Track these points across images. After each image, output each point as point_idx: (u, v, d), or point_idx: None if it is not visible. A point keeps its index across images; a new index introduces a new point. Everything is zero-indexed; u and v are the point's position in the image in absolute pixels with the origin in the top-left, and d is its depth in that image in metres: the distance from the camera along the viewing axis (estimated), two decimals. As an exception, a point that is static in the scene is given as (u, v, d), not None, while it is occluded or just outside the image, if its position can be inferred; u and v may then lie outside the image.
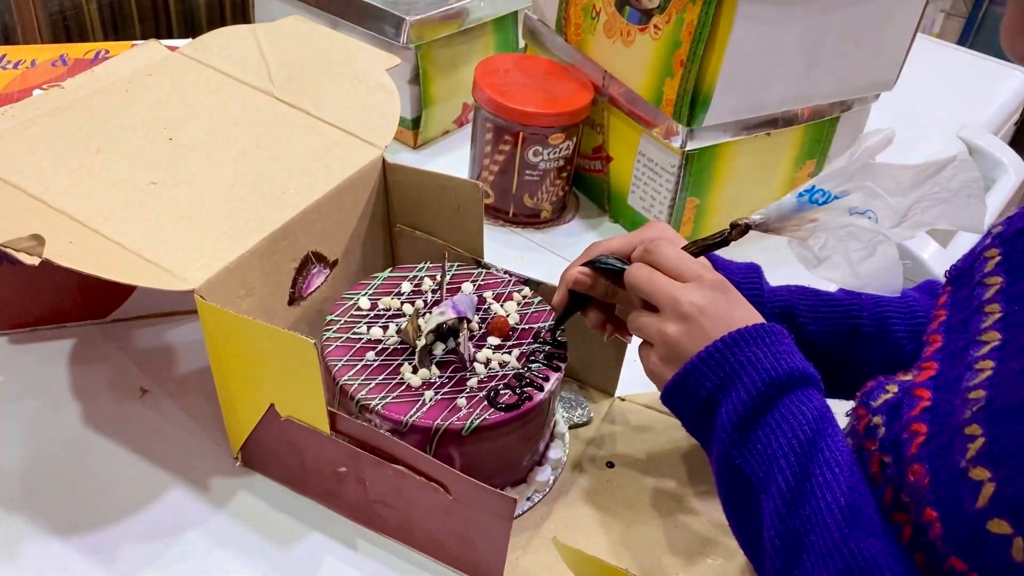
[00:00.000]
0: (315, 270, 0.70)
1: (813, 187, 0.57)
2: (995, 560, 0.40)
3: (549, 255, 0.93)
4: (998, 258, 0.50)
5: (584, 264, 0.64)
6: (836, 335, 0.66)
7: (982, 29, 1.96)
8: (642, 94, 0.87)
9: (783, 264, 0.65)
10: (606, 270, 0.63)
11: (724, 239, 0.61)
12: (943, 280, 0.68)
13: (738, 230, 0.60)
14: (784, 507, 0.49)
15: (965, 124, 1.24)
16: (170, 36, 1.37)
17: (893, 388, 0.54)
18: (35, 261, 0.52)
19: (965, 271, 0.54)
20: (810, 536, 0.48)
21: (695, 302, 0.55)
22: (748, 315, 0.56)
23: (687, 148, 0.85)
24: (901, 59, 0.92)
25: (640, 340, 0.60)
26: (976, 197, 0.52)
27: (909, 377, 0.53)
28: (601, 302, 0.65)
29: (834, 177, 0.55)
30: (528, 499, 0.66)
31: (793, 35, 0.81)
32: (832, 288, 0.67)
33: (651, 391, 0.76)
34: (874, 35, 0.87)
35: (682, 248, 0.61)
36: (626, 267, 0.61)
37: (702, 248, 0.61)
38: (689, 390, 0.55)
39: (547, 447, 0.69)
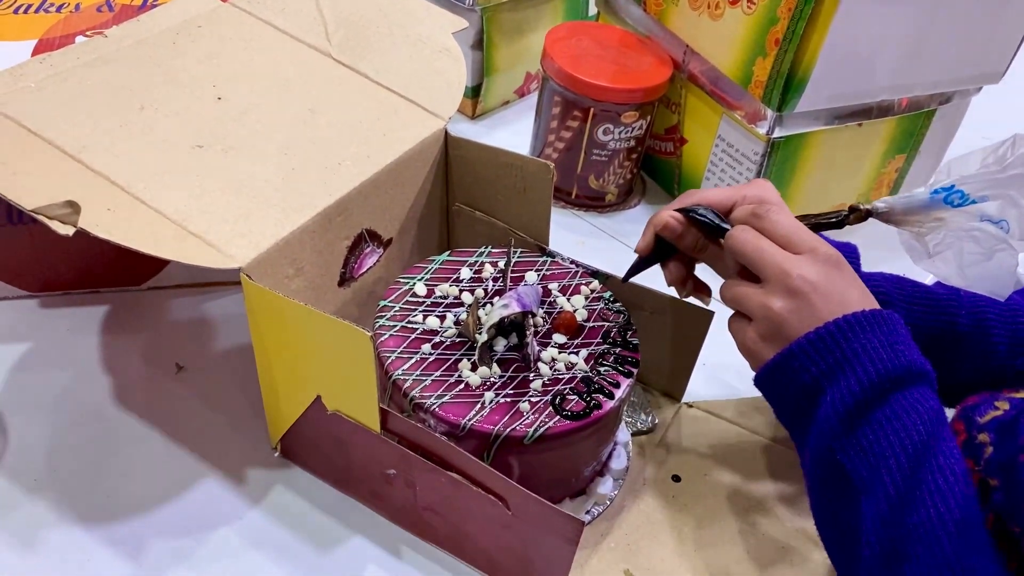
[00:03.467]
0: (368, 249, 0.65)
1: (952, 187, 0.51)
2: None
3: (612, 242, 0.87)
4: None
5: (677, 210, 0.57)
6: (929, 331, 0.60)
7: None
8: (728, 73, 0.80)
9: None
10: (701, 223, 0.56)
11: (840, 220, 0.56)
12: None
13: (857, 215, 0.56)
14: (889, 512, 0.44)
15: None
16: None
17: (1004, 405, 0.49)
18: (69, 231, 0.46)
19: None
20: (917, 547, 0.43)
21: (807, 277, 0.49)
22: (864, 298, 0.50)
23: (774, 135, 0.78)
24: (1013, 50, 0.84)
25: (732, 312, 0.54)
26: None
27: (1023, 395, 0.48)
28: (684, 256, 0.59)
29: (977, 180, 0.49)
30: (588, 512, 0.61)
31: (903, 16, 0.74)
32: (929, 281, 0.62)
33: (721, 398, 0.71)
34: (989, 21, 0.79)
35: (802, 218, 0.55)
36: (725, 225, 0.55)
37: (814, 225, 0.55)
38: (791, 373, 0.49)
39: (609, 456, 0.63)
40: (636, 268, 0.61)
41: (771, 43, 0.74)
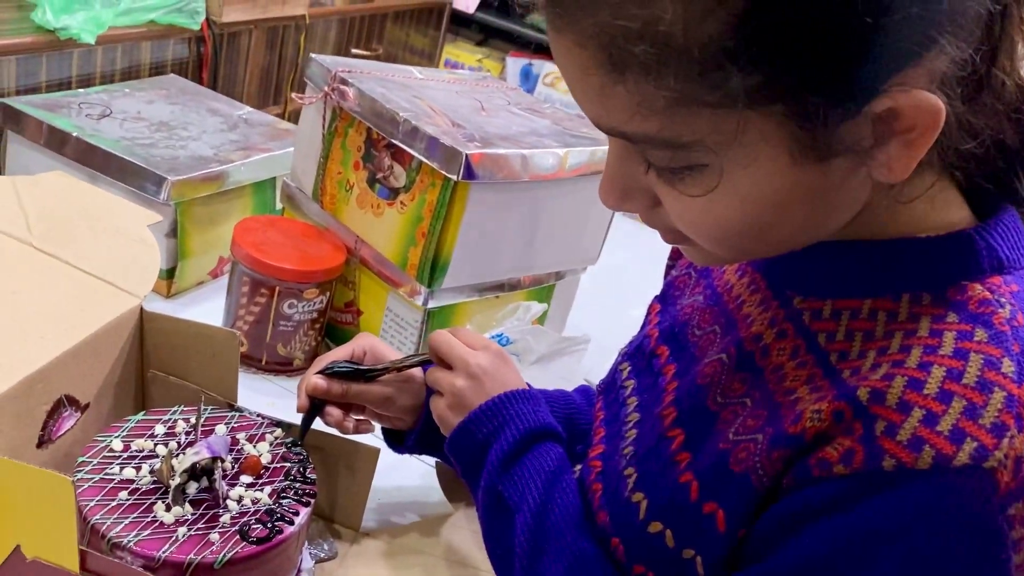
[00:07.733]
0: (66, 413, 0.72)
1: (502, 334, 0.75)
2: (657, 552, 0.56)
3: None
4: (629, 367, 0.70)
5: (318, 373, 0.76)
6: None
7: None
8: (390, 258, 0.98)
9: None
10: (340, 373, 0.75)
11: (420, 363, 0.77)
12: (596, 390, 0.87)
13: None
14: (532, 521, 0.63)
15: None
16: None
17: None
18: None
19: (610, 383, 0.73)
20: (550, 543, 0.62)
21: (482, 364, 0.71)
22: (517, 381, 0.73)
23: (429, 306, 0.97)
24: (601, 240, 1.12)
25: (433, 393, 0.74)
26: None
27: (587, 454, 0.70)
28: (338, 404, 0.77)
29: (513, 330, 0.76)
30: (275, 631, 0.70)
31: (514, 217, 0.98)
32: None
33: (392, 527, 0.84)
34: (577, 221, 1.07)
35: (401, 360, 0.77)
36: (358, 367, 0.75)
37: (415, 363, 0.77)
38: (470, 434, 0.69)
39: (295, 580, 0.73)
40: (305, 426, 0.77)
41: (419, 235, 0.94)
